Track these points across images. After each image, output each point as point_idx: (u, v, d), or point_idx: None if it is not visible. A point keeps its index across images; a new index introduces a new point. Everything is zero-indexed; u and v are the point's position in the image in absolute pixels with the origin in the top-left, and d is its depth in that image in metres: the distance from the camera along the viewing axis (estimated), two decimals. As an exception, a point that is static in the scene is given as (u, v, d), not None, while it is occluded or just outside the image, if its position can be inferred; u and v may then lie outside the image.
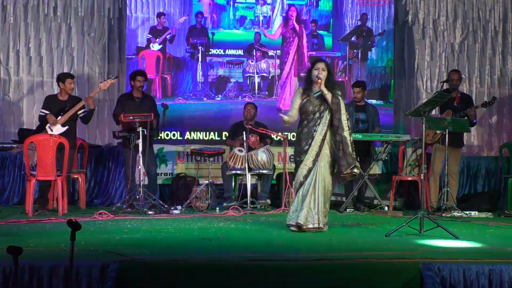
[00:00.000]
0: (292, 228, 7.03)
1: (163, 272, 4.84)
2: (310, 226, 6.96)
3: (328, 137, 7.09)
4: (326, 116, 7.09)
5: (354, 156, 7.06)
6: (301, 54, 11.18)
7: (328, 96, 7.07)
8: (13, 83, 11.19)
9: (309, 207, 6.98)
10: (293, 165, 10.41)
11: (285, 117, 7.17)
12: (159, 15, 10.99)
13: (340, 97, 7.12)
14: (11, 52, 11.17)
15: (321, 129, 7.07)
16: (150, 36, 10.98)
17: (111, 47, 11.31)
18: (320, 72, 7.09)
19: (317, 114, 7.10)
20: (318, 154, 7.05)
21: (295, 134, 7.93)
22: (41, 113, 9.26)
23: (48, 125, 9.09)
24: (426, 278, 4.86)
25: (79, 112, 9.22)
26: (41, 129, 9.20)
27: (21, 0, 11.15)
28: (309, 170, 7.05)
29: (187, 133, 10.92)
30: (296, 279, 4.89)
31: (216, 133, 10.95)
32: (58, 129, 9.07)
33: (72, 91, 9.35)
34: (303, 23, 11.23)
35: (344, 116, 7.03)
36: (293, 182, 7.27)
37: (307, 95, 7.19)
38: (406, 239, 6.44)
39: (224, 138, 10.67)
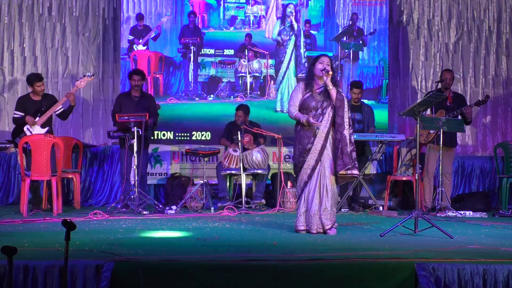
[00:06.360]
0: (303, 233, 6.85)
1: (158, 272, 4.83)
2: (314, 232, 6.81)
3: (330, 135, 6.82)
4: (329, 113, 6.79)
5: (353, 157, 6.77)
6: (298, 54, 11.16)
7: (333, 91, 6.78)
8: (8, 83, 11.17)
9: (315, 212, 6.81)
10: (288, 165, 10.51)
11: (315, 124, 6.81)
12: (139, 17, 10.93)
13: (344, 95, 6.86)
14: (5, 52, 11.16)
15: (324, 127, 6.79)
16: (132, 37, 10.94)
17: (105, 47, 11.30)
18: (326, 66, 6.77)
19: (320, 111, 6.79)
20: (321, 153, 6.79)
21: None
22: (15, 115, 9.11)
23: (26, 126, 8.98)
24: (420, 278, 4.85)
25: (56, 110, 9.15)
26: (18, 132, 9.07)
27: (15, 0, 11.13)
28: (313, 169, 6.79)
29: (180, 133, 10.90)
30: (291, 279, 4.88)
31: (209, 133, 10.93)
32: (38, 130, 8.99)
33: (43, 92, 9.20)
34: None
35: (346, 114, 6.77)
36: (297, 182, 6.96)
37: (310, 90, 6.88)
38: (400, 239, 6.44)
39: (217, 138, 10.66)
